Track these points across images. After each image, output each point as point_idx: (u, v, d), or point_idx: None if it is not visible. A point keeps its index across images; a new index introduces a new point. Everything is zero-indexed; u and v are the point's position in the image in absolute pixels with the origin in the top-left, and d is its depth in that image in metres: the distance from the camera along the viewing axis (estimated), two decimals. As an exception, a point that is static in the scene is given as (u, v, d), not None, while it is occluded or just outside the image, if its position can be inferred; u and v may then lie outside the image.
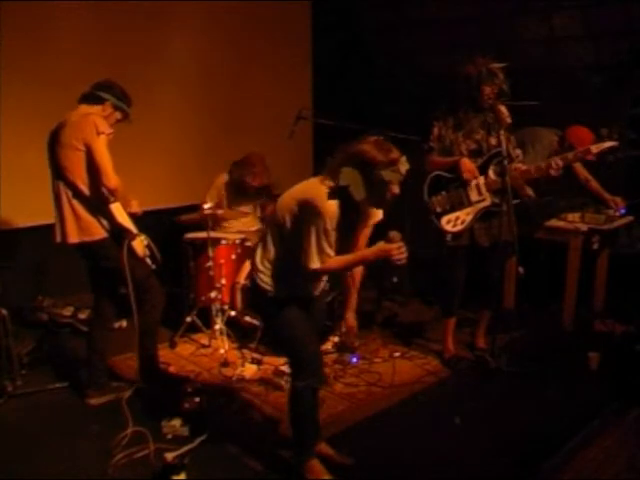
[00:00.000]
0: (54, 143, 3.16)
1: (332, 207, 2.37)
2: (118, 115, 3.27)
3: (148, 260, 3.35)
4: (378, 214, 2.65)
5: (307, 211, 2.38)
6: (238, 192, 4.53)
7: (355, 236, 2.63)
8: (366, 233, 2.67)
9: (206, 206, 4.08)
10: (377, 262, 2.48)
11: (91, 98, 3.20)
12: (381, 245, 2.44)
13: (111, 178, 3.07)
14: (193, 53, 5.21)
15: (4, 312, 3.46)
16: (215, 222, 4.29)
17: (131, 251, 3.21)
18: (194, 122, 5.23)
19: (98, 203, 3.16)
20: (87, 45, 4.53)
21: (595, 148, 3.74)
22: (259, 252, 2.62)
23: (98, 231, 3.18)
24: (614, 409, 3.25)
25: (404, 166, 2.40)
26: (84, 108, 3.18)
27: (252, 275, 2.63)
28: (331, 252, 2.41)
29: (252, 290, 2.64)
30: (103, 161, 3.06)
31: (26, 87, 4.27)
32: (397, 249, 2.38)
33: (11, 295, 4.14)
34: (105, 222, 3.19)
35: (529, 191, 3.84)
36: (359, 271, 2.84)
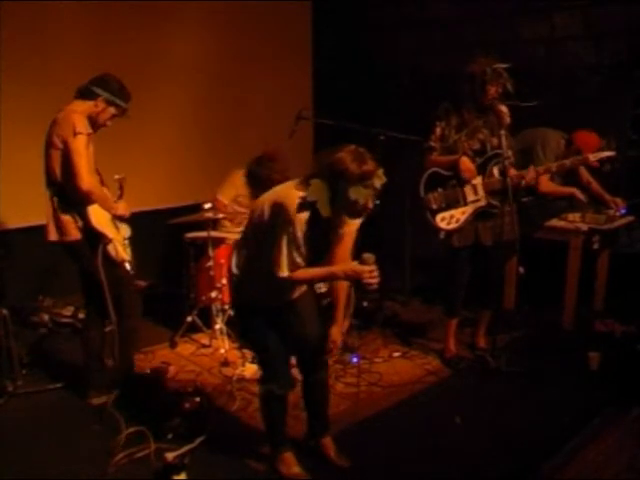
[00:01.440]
0: (45, 140, 3.14)
1: (302, 218, 2.33)
2: (113, 110, 3.20)
3: (127, 265, 3.26)
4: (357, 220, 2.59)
5: (279, 218, 2.36)
6: (259, 188, 4.43)
7: (332, 243, 2.57)
8: (349, 238, 2.60)
9: (206, 206, 4.07)
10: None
11: (85, 93, 3.16)
12: (353, 265, 2.42)
13: (83, 180, 3.00)
14: (193, 53, 5.21)
15: (4, 312, 3.46)
16: (217, 222, 4.29)
17: (106, 255, 3.16)
18: (194, 122, 5.23)
19: (75, 203, 3.11)
20: (87, 45, 4.53)
21: (593, 157, 3.80)
22: (235, 255, 2.63)
23: (73, 232, 3.13)
24: (614, 409, 3.25)
25: (379, 180, 2.34)
26: (76, 104, 3.15)
27: (229, 277, 2.66)
28: (301, 262, 2.38)
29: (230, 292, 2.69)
30: (78, 162, 2.99)
31: (26, 87, 4.27)
32: (368, 272, 2.33)
33: (11, 295, 4.14)
34: (81, 223, 3.14)
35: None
36: (344, 286, 2.79)
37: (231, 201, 4.40)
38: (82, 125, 3.04)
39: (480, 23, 5.39)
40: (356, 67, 6.07)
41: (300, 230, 2.33)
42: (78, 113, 3.08)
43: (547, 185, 4.22)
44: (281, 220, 2.35)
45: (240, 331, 2.88)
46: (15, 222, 4.38)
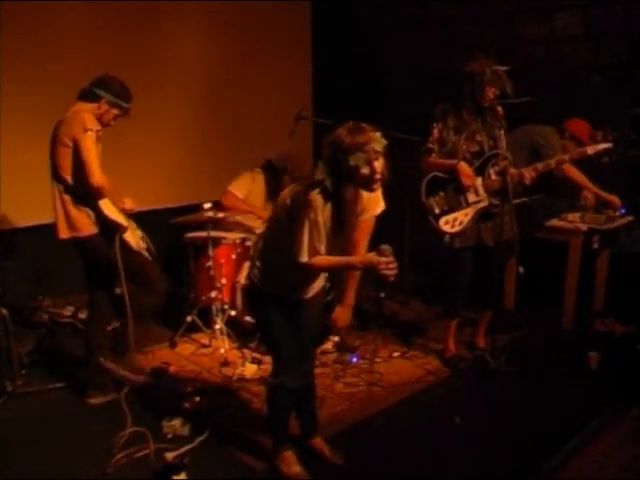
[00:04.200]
0: (52, 140, 3.20)
1: (317, 198, 2.36)
2: (115, 111, 3.27)
3: (145, 252, 3.35)
4: (377, 206, 2.61)
5: (299, 204, 2.40)
6: (273, 177, 4.59)
7: (352, 231, 2.58)
8: (366, 227, 2.63)
9: (206, 206, 4.07)
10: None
11: (88, 95, 3.22)
12: (370, 256, 2.43)
13: (95, 175, 3.07)
14: (193, 53, 5.21)
15: (4, 312, 3.46)
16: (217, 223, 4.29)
17: (123, 244, 3.22)
18: (194, 122, 5.23)
19: (87, 199, 3.18)
20: (87, 45, 4.53)
21: (591, 150, 3.76)
22: (258, 247, 2.68)
23: (87, 227, 3.20)
24: (614, 409, 3.25)
25: (378, 143, 2.36)
26: (80, 105, 3.21)
27: (249, 269, 2.69)
28: (322, 248, 2.41)
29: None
30: (88, 158, 3.07)
31: (26, 87, 4.27)
32: (385, 264, 2.35)
33: (11, 295, 4.14)
34: (95, 217, 3.21)
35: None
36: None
37: (244, 196, 4.54)
38: (92, 122, 3.12)
39: (480, 23, 5.39)
40: (356, 67, 6.07)
41: (320, 215, 2.36)
42: (86, 112, 3.15)
43: (573, 170, 4.19)
44: (301, 206, 2.38)
45: (257, 323, 2.89)
46: (15, 222, 4.38)
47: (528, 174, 3.64)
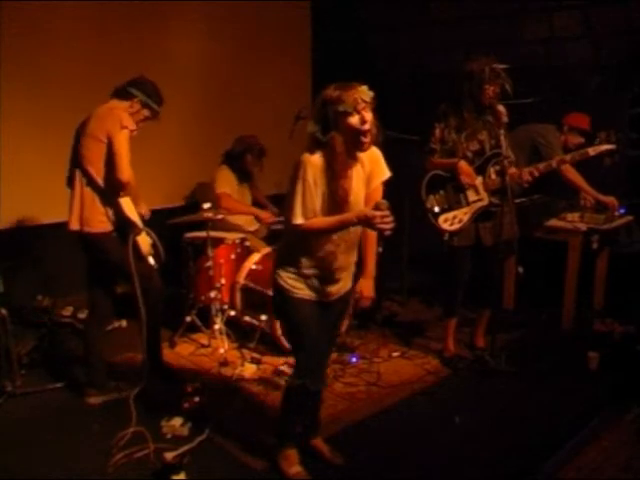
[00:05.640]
0: (80, 132, 3.21)
1: (306, 155, 2.37)
2: (146, 112, 3.31)
3: (151, 259, 3.36)
4: (382, 173, 2.59)
5: (294, 169, 2.41)
6: (236, 165, 4.59)
7: (346, 190, 2.49)
8: (375, 196, 2.58)
9: (206, 206, 4.07)
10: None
11: (121, 93, 3.26)
12: (366, 210, 2.42)
13: (124, 171, 3.11)
14: (193, 53, 5.22)
15: (4, 312, 3.45)
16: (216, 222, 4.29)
17: (135, 247, 3.23)
18: (194, 122, 5.23)
19: (109, 195, 3.19)
20: (87, 46, 4.54)
21: (592, 150, 3.76)
22: (279, 247, 2.71)
23: (100, 224, 3.20)
24: (614, 409, 3.25)
25: (365, 94, 2.37)
26: (113, 102, 3.24)
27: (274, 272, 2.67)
28: (316, 208, 2.39)
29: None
30: (120, 154, 3.10)
31: (26, 88, 4.27)
32: (380, 217, 2.32)
33: (11, 295, 4.13)
34: (112, 215, 3.22)
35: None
36: (372, 236, 2.72)
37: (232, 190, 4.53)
38: (128, 121, 3.16)
39: (480, 23, 5.39)
40: (356, 67, 6.07)
41: (311, 171, 2.35)
42: (120, 109, 3.18)
43: (571, 172, 4.19)
44: (295, 169, 2.39)
45: (282, 321, 2.88)
46: (15, 222, 4.38)
47: (529, 174, 3.65)
